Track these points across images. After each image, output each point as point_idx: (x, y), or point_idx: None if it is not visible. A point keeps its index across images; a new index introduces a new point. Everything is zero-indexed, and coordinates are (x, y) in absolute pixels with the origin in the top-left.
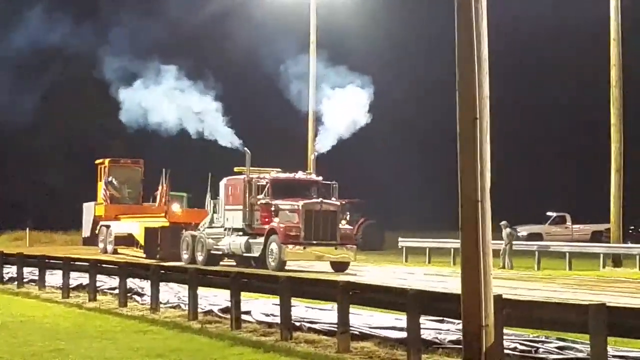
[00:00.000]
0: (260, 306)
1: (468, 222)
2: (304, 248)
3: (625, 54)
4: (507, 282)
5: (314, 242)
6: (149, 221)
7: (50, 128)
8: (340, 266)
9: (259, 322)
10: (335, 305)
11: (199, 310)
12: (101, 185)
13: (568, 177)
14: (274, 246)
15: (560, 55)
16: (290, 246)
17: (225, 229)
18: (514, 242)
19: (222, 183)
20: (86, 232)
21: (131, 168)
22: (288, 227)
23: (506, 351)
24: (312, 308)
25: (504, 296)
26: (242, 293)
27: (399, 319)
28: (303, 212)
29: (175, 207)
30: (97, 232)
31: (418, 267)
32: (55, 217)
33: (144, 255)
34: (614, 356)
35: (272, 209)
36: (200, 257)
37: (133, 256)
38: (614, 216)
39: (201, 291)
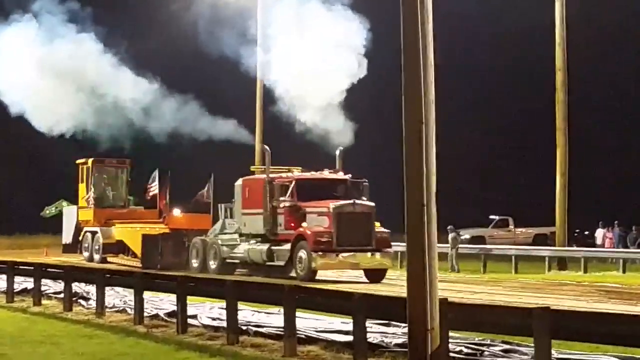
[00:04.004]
0: (207, 310)
1: (414, 226)
2: (337, 255)
3: (570, 58)
4: (453, 286)
5: (348, 248)
6: (146, 227)
7: None
8: (376, 274)
9: (205, 326)
10: (282, 309)
11: (145, 314)
12: (84, 188)
13: (512, 181)
14: (302, 254)
15: (506, 59)
16: (322, 254)
17: (240, 235)
18: (460, 246)
19: (238, 184)
20: (67, 238)
21: (117, 168)
22: (318, 232)
23: (452, 354)
24: (259, 312)
25: (450, 300)
26: (190, 297)
27: (346, 323)
28: (334, 216)
29: (176, 212)
30: (80, 238)
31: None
32: None
33: (141, 265)
34: (558, 359)
35: (299, 212)
36: (213, 265)
37: (129, 266)
38: (559, 220)
39: (148, 295)
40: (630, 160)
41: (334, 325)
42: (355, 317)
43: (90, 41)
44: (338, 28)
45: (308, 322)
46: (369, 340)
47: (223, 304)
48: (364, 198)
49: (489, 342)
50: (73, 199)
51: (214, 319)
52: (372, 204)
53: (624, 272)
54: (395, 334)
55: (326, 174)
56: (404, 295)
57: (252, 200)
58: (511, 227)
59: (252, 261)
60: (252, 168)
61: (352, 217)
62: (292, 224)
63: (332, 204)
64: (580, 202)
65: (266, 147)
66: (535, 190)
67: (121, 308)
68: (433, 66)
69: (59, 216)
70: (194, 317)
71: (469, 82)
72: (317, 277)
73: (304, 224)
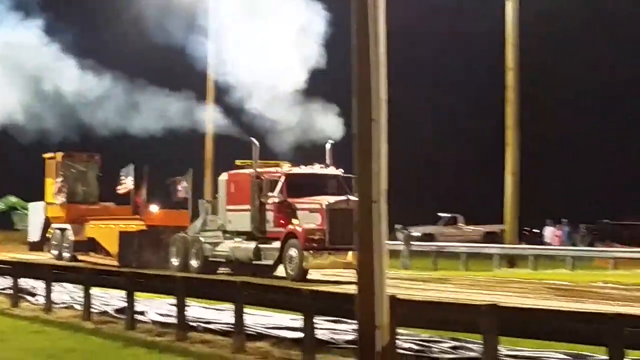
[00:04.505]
0: (156, 306)
1: (364, 223)
2: (329, 254)
3: (521, 58)
4: (403, 283)
5: (341, 247)
6: (121, 224)
7: None
8: None
9: (154, 323)
10: (232, 306)
11: (94, 310)
12: (52, 183)
13: (462, 179)
14: (293, 253)
15: (457, 58)
16: (313, 253)
17: (224, 232)
18: (412, 243)
19: (222, 179)
20: (34, 235)
21: (87, 163)
22: (310, 230)
23: (400, 351)
24: (209, 308)
25: (399, 297)
26: (139, 294)
27: (295, 319)
28: (327, 213)
29: (154, 208)
30: (49, 235)
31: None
32: None
33: (117, 263)
34: (506, 355)
35: (289, 209)
36: (195, 264)
37: (103, 264)
38: (508, 217)
39: (96, 291)
40: (579, 159)
41: (284, 322)
42: (305, 313)
43: (34, 30)
44: (296, 16)
45: (258, 318)
46: (318, 337)
47: (173, 300)
48: (357, 194)
49: (437, 339)
50: (18, 194)
51: (163, 315)
52: None
53: (572, 269)
54: (345, 330)
55: (317, 168)
56: (354, 292)
57: (238, 196)
58: (461, 224)
59: (237, 260)
60: (238, 162)
61: (345, 215)
62: (282, 221)
63: (325, 200)
64: (529, 200)
65: (254, 140)
66: (485, 189)
67: (69, 304)
68: (385, 65)
69: (6, 211)
70: (143, 313)
71: (421, 80)
72: (308, 277)
73: (295, 221)
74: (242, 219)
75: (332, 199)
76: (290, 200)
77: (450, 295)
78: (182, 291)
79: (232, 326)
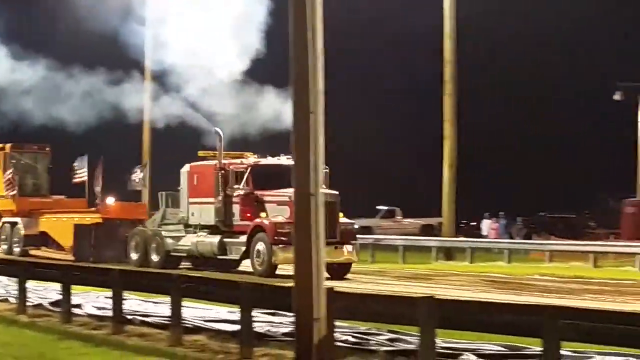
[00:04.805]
0: (93, 300)
1: (301, 216)
2: None
3: (458, 50)
4: None
5: None
6: (76, 217)
7: None
8: (341, 269)
9: (90, 316)
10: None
11: (29, 303)
12: (1, 175)
13: (400, 172)
14: (261, 247)
15: (396, 50)
16: (283, 247)
17: (186, 226)
18: None
19: (184, 171)
20: None
21: (37, 155)
22: (279, 223)
23: (338, 343)
24: (146, 301)
25: (337, 289)
26: (76, 287)
27: (233, 312)
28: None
29: (110, 201)
30: None
31: None
32: None
33: (72, 258)
34: (442, 347)
35: (256, 201)
36: (155, 258)
37: (57, 259)
38: (446, 210)
39: (32, 285)
40: (516, 153)
41: (222, 315)
42: (242, 306)
43: None
44: (237, 3)
45: (196, 311)
46: (255, 329)
47: (110, 293)
48: (324, 186)
49: (375, 331)
50: None
51: (99, 309)
52: (336, 192)
53: (509, 262)
54: (282, 323)
55: (284, 159)
56: (292, 284)
57: (201, 188)
58: (398, 217)
59: (200, 254)
60: (201, 153)
61: None
62: (248, 214)
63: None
64: (468, 193)
65: (218, 130)
66: (422, 181)
67: (3, 297)
68: (322, 57)
69: None
70: (79, 306)
71: (360, 72)
72: (277, 272)
73: (263, 214)
74: (205, 212)
75: None
76: (257, 192)
77: (389, 288)
78: (118, 284)
79: (169, 319)
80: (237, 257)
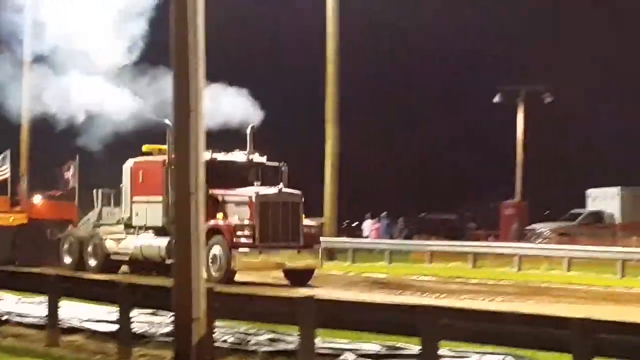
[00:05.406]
0: None
1: (181, 215)
2: (260, 253)
3: (342, 51)
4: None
5: (272, 244)
6: None
7: None
8: (303, 275)
9: None
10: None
11: None
12: None
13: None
14: (218, 251)
15: (279, 52)
16: (242, 251)
17: (127, 227)
18: None
19: (127, 167)
20: None
21: None
22: (238, 225)
23: (217, 344)
24: (23, 302)
25: (216, 289)
26: None
27: (112, 312)
28: (258, 206)
29: (37, 200)
30: None
31: None
32: None
33: None
34: (322, 347)
35: (212, 201)
36: (93, 262)
37: None
38: (328, 211)
39: None
40: (397, 153)
41: (100, 315)
42: (121, 306)
43: None
44: None
45: (74, 311)
46: (134, 330)
47: None
48: (282, 184)
49: (255, 331)
50: None
51: None
52: (299, 192)
53: (390, 262)
54: (161, 323)
55: (240, 155)
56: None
57: (147, 186)
58: None
59: (145, 258)
60: (145, 148)
61: (278, 208)
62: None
63: (255, 192)
64: (349, 194)
65: (167, 122)
66: (305, 182)
67: None
68: (203, 56)
69: None
70: None
71: (243, 69)
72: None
73: (219, 215)
74: (151, 212)
75: (262, 190)
76: (212, 191)
77: (270, 288)
78: None
79: (46, 319)
80: None
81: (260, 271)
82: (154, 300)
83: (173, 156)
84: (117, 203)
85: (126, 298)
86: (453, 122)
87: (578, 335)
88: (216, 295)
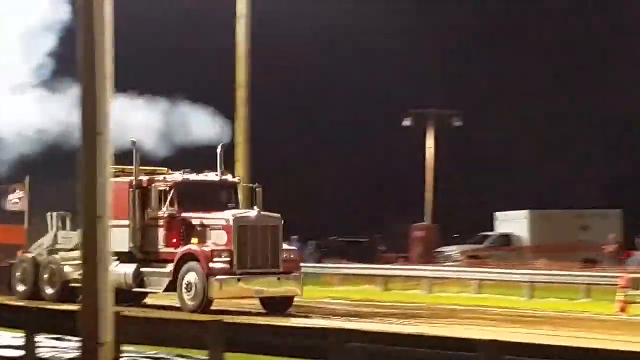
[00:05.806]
0: None
1: (88, 238)
2: (239, 281)
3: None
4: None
5: (251, 271)
6: None
7: None
8: (282, 303)
9: None
10: None
11: None
12: None
13: None
14: (193, 278)
15: (189, 73)
16: (219, 279)
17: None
18: None
19: None
20: None
21: None
22: (215, 251)
23: None
24: None
25: (125, 313)
26: None
27: (17, 337)
28: (235, 230)
29: None
30: None
31: None
32: None
33: None
34: None
35: (184, 225)
36: (50, 290)
37: None
38: None
39: None
40: (308, 177)
41: (4, 340)
42: (26, 331)
43: None
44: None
45: None
46: (40, 355)
47: None
48: (256, 207)
49: (164, 355)
50: None
51: None
52: (278, 215)
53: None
54: (68, 348)
55: (212, 176)
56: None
57: (113, 208)
58: None
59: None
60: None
61: (256, 232)
62: (174, 240)
63: (232, 215)
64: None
65: (134, 140)
66: None
67: None
68: (111, 79)
69: None
70: None
71: (155, 91)
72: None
73: (194, 240)
74: (117, 237)
75: (238, 212)
76: (185, 214)
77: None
78: None
79: None
80: (159, 289)
81: (238, 299)
82: (60, 324)
83: (139, 178)
84: (74, 227)
85: (32, 323)
86: (363, 144)
87: (486, 357)
88: (124, 319)
